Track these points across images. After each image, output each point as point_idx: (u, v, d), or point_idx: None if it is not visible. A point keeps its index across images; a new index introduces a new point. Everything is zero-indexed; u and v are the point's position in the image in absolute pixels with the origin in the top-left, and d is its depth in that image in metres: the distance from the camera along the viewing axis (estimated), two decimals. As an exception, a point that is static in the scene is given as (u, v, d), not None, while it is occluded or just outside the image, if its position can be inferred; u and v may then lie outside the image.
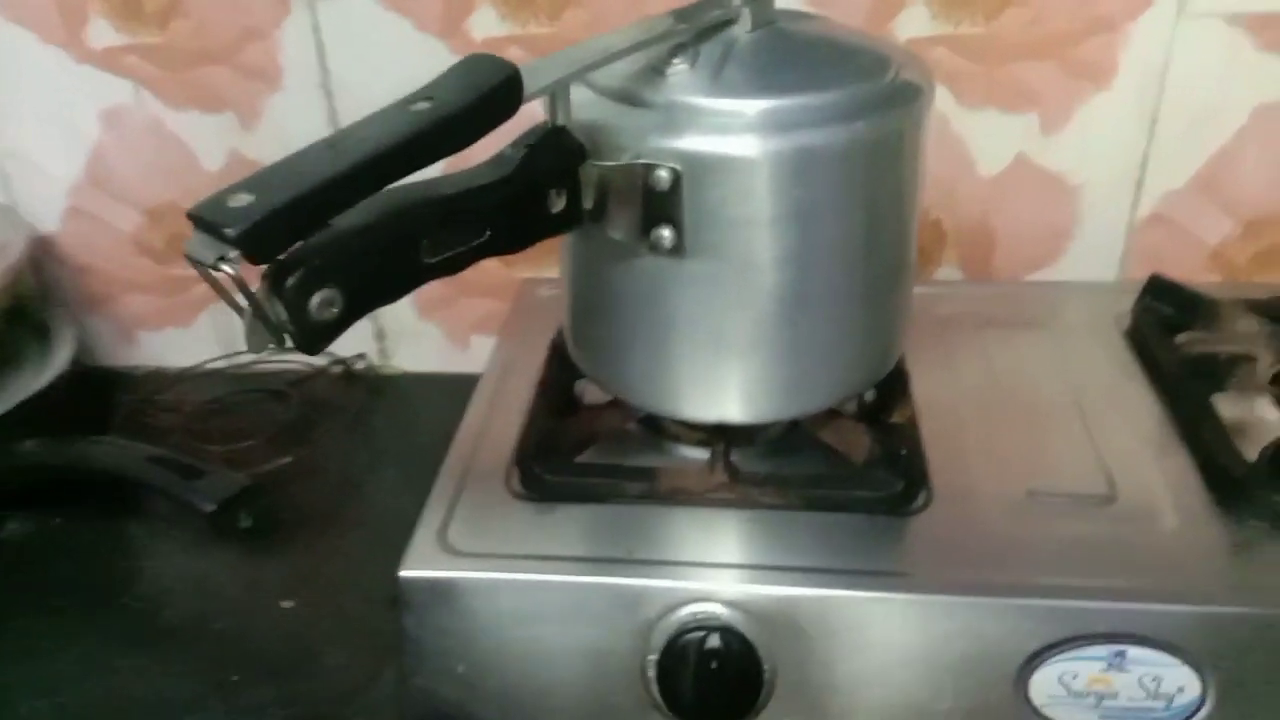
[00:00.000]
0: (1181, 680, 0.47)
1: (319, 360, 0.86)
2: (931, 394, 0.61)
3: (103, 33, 0.77)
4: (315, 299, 0.37)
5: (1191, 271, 0.74)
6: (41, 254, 0.84)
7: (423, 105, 0.39)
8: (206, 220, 0.34)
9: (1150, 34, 0.68)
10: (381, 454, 0.80)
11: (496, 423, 0.61)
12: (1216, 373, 0.60)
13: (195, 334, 0.89)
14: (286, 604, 0.65)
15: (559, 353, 0.64)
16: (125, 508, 0.74)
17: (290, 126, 0.78)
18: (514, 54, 0.73)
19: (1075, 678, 0.47)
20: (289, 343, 0.38)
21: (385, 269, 0.40)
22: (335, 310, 0.38)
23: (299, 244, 0.37)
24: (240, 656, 0.62)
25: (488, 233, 0.43)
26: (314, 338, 0.38)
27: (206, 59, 0.77)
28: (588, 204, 0.47)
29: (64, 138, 0.81)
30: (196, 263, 0.35)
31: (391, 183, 0.38)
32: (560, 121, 0.45)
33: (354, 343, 0.87)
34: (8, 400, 0.72)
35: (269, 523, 0.71)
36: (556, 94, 0.45)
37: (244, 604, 0.66)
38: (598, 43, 0.49)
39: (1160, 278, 0.67)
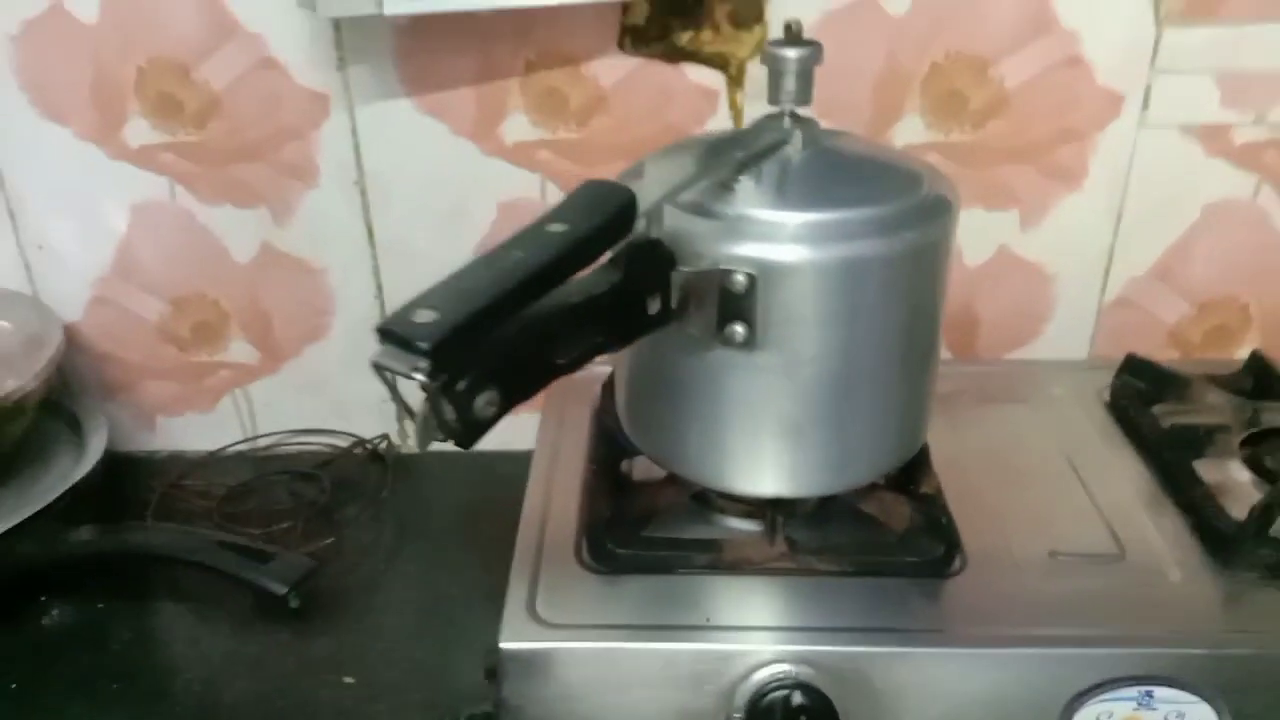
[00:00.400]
0: (1202, 715, 0.54)
1: (342, 442, 0.89)
2: (946, 465, 0.67)
3: (141, 131, 0.80)
4: (480, 400, 0.42)
5: (1152, 348, 0.83)
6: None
7: (559, 227, 0.45)
8: (398, 334, 0.39)
9: (1115, 142, 0.77)
10: (407, 530, 0.84)
11: (556, 502, 0.65)
12: (1197, 441, 0.68)
13: (215, 419, 0.91)
14: (347, 679, 0.68)
15: (606, 433, 0.69)
16: (164, 592, 0.77)
17: (323, 220, 0.82)
18: (543, 156, 0.80)
19: (1111, 716, 0.54)
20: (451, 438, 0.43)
21: (530, 370, 0.45)
22: (494, 409, 0.43)
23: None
24: (309, 731, 0.65)
25: (601, 336, 0.48)
26: (476, 433, 0.43)
27: (243, 157, 0.81)
28: (674, 305, 0.53)
29: (92, 231, 0.84)
30: (386, 370, 0.40)
31: (540, 297, 0.43)
32: (655, 235, 0.51)
33: (376, 424, 0.90)
34: (52, 491, 0.74)
35: (311, 603, 0.74)
36: (652, 213, 0.51)
37: (302, 681, 0.69)
38: (672, 164, 0.55)
39: (1135, 356, 0.76)
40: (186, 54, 0.77)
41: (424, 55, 0.77)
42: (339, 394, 0.89)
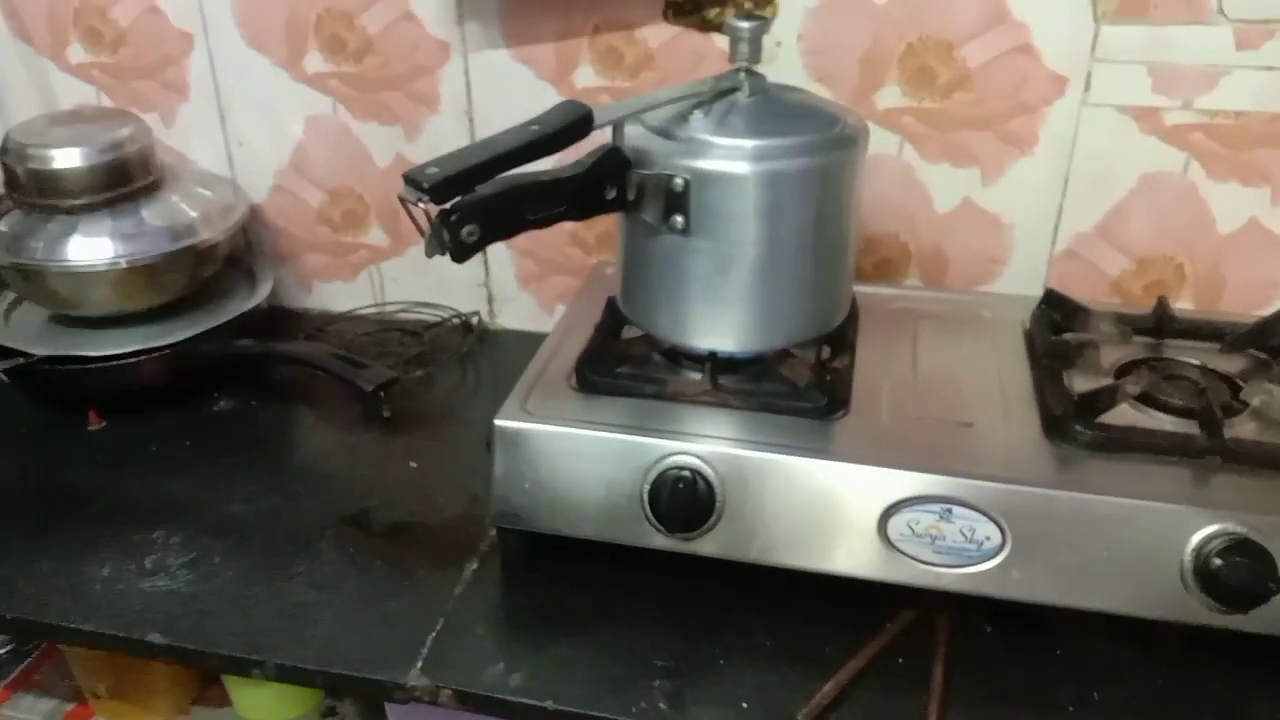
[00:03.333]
0: (989, 531, 0.72)
1: (444, 314, 1.16)
2: (872, 355, 0.86)
3: (315, 62, 1.08)
4: (464, 230, 0.66)
5: (1098, 296, 0.98)
6: (251, 218, 1.16)
7: (534, 127, 0.68)
8: (414, 179, 0.64)
9: (1061, 117, 0.94)
10: (482, 382, 1.10)
11: (565, 348, 0.88)
12: (1069, 354, 0.85)
13: (355, 287, 1.19)
14: (413, 464, 0.94)
15: (613, 306, 0.91)
16: (297, 396, 1.05)
17: (441, 138, 1.08)
18: (603, 99, 1.03)
19: (918, 524, 0.73)
20: (447, 253, 0.67)
21: (505, 219, 0.69)
22: (475, 238, 0.67)
23: (459, 198, 0.66)
24: (379, 489, 0.92)
25: (564, 206, 0.71)
26: (462, 253, 0.67)
27: (386, 86, 1.08)
28: (630, 196, 0.75)
29: (277, 134, 1.13)
30: (406, 201, 0.64)
31: (514, 168, 0.67)
32: (616, 143, 0.74)
33: (471, 302, 1.16)
34: (229, 314, 1.03)
35: (400, 417, 1.01)
36: (615, 126, 0.74)
37: (383, 463, 0.96)
38: (646, 97, 0.77)
39: (1053, 291, 0.92)
40: (351, 5, 1.04)
41: (520, 18, 1.01)
42: (444, 276, 1.15)
